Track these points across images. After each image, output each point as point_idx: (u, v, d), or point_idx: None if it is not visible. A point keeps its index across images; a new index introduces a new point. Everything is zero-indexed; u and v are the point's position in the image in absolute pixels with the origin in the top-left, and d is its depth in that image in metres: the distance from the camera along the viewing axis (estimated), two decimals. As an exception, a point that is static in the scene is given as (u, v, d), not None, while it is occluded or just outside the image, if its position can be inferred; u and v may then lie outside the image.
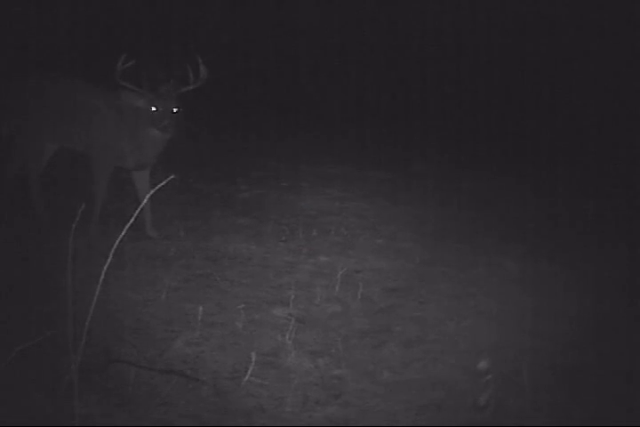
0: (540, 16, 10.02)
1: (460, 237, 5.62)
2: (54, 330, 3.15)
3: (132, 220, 2.92)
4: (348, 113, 9.37)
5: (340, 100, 9.64)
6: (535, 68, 9.67)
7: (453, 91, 9.60)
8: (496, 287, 4.69)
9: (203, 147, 7.87)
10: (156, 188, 2.98)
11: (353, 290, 4.57)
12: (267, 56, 10.15)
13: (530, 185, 7.10)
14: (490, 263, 5.10)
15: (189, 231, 5.42)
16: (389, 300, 4.53)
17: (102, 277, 2.83)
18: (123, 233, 2.83)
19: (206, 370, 3.58)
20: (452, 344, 3.97)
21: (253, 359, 3.58)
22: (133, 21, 9.31)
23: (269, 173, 7.25)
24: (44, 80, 5.23)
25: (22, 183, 5.35)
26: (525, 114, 9.01)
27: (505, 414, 3.34)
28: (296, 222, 5.79)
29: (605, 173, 7.48)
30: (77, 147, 5.25)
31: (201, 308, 4.06)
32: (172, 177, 2.95)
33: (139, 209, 3.11)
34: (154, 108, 4.84)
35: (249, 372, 3.54)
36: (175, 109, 4.87)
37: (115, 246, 2.83)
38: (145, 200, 3.30)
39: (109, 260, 2.83)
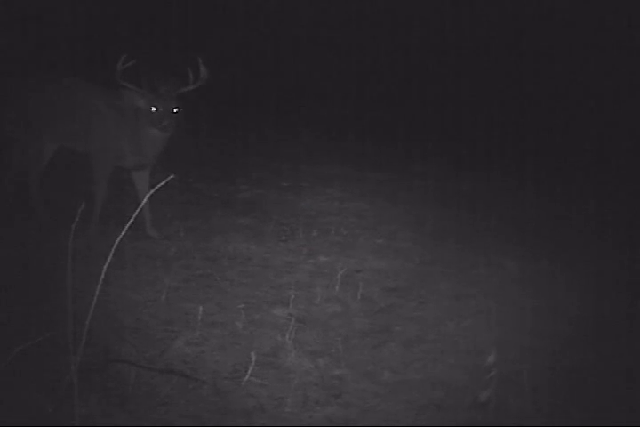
0: (541, 14, 10.01)
1: (460, 237, 5.61)
2: (54, 330, 3.15)
3: (132, 220, 2.92)
4: (348, 113, 9.37)
5: (340, 100, 9.63)
6: (536, 67, 9.66)
7: (453, 91, 9.59)
8: (496, 287, 4.69)
9: (203, 147, 7.86)
10: (156, 188, 2.98)
11: (353, 290, 4.57)
12: (267, 56, 10.14)
13: (530, 185, 7.09)
14: (490, 263, 5.09)
15: (189, 231, 5.42)
16: (389, 300, 4.53)
17: (102, 277, 2.83)
18: (123, 233, 2.83)
19: (206, 370, 3.58)
20: (452, 344, 3.97)
21: (253, 359, 3.58)
22: (133, 21, 9.30)
23: (269, 173, 7.25)
24: (45, 80, 5.23)
25: (22, 183, 5.35)
26: (525, 114, 9.01)
27: (505, 413, 3.34)
28: (296, 222, 5.79)
29: (605, 173, 7.47)
30: (77, 147, 5.25)
31: (201, 308, 4.06)
32: (171, 177, 2.95)
33: (138, 209, 3.11)
34: (154, 109, 4.84)
35: (249, 372, 3.54)
36: (175, 109, 4.87)
37: (115, 246, 2.83)
38: (145, 200, 3.30)
39: (109, 260, 2.82)
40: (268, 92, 9.60)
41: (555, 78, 9.45)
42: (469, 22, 10.21)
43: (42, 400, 3.13)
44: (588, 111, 8.94)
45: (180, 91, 4.91)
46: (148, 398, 3.29)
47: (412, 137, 8.60)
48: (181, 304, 4.25)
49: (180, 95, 4.92)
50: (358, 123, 9.07)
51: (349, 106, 9.49)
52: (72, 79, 5.27)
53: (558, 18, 9.96)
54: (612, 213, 6.23)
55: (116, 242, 2.83)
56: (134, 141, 5.03)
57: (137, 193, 5.27)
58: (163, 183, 2.93)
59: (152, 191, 3.02)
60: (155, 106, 4.83)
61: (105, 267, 2.82)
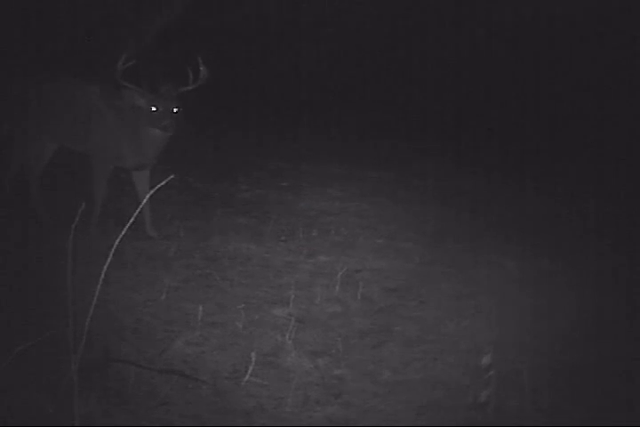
0: (542, 16, 10.01)
1: (460, 237, 5.61)
2: (54, 330, 3.14)
3: (132, 220, 2.92)
4: (349, 113, 9.37)
5: (340, 99, 9.64)
6: (536, 67, 9.67)
7: (453, 91, 9.60)
8: (496, 287, 4.69)
9: (203, 146, 7.87)
10: (156, 188, 2.97)
11: (353, 290, 4.57)
12: (267, 56, 10.14)
13: (530, 185, 7.10)
14: (490, 263, 5.10)
15: (189, 231, 5.42)
16: (389, 300, 4.53)
17: (102, 277, 2.83)
18: (123, 233, 2.83)
19: (206, 370, 3.58)
20: (452, 344, 3.97)
21: (253, 359, 3.58)
22: (134, 21, 9.29)
23: (270, 173, 7.26)
24: (45, 80, 5.23)
25: (22, 183, 5.35)
26: (526, 114, 9.01)
27: (505, 413, 3.34)
28: (296, 222, 5.79)
29: (605, 172, 7.47)
30: (77, 147, 5.25)
31: (201, 308, 4.06)
32: (171, 177, 2.95)
33: (138, 209, 3.11)
34: (154, 108, 4.84)
35: (249, 372, 3.54)
36: (175, 109, 4.86)
37: (115, 246, 2.83)
38: (145, 200, 3.30)
39: (109, 260, 2.82)
40: (268, 92, 9.61)
41: (555, 78, 9.46)
42: (469, 22, 10.21)
43: (42, 400, 3.13)
44: (587, 111, 8.94)
45: (180, 91, 4.91)
46: (148, 398, 3.29)
47: (412, 137, 8.62)
48: (181, 304, 4.24)
49: (180, 95, 4.92)
50: (358, 123, 9.08)
51: (349, 106, 9.50)
52: (72, 79, 5.27)
53: (558, 18, 9.96)
54: (612, 213, 6.24)
55: (116, 242, 2.82)
56: (134, 141, 5.02)
57: (137, 193, 5.26)
58: (163, 183, 2.93)
59: (152, 191, 3.02)
60: (155, 106, 4.83)
61: (105, 267, 2.82)
